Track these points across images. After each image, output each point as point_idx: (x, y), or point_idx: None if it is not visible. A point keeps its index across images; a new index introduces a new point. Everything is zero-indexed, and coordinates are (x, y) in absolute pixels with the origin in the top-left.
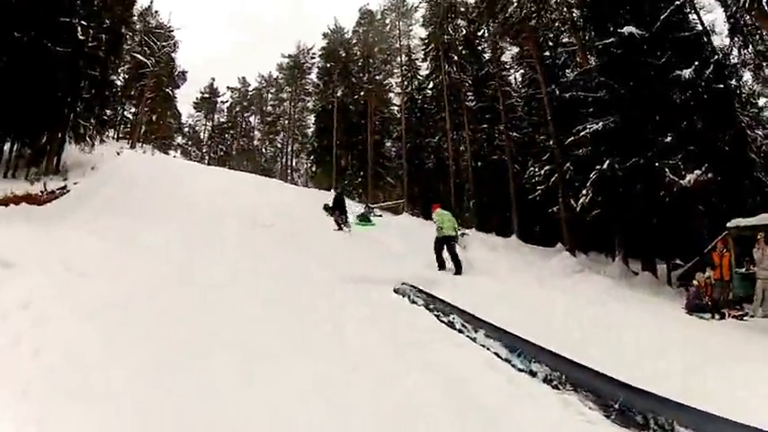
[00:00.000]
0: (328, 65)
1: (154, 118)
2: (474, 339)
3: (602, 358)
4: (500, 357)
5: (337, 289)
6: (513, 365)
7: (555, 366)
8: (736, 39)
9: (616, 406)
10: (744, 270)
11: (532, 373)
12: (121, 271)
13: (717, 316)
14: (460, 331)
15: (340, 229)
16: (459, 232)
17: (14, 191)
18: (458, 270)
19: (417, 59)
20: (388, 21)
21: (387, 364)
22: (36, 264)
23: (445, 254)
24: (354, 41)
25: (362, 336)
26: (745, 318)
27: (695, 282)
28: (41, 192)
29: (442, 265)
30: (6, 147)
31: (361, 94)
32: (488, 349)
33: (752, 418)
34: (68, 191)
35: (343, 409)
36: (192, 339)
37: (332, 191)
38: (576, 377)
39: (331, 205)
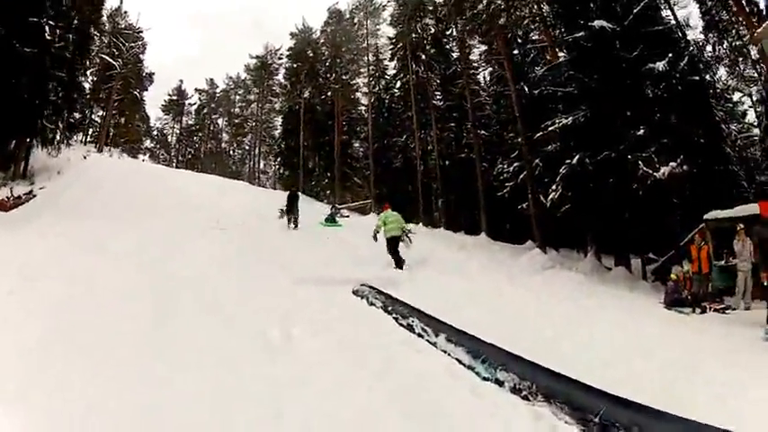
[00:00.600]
0: (296, 65)
1: (122, 121)
2: (435, 344)
3: (575, 358)
4: (462, 364)
5: (295, 291)
6: (477, 373)
7: (524, 374)
8: (711, 35)
9: (596, 420)
10: (723, 262)
11: (499, 382)
12: (75, 276)
13: (697, 310)
14: (420, 335)
15: (294, 227)
16: (405, 232)
17: None
18: (398, 265)
19: (385, 59)
20: (356, 20)
21: (338, 371)
22: None
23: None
24: (322, 41)
25: (314, 341)
26: (726, 311)
27: (673, 276)
28: (7, 198)
29: (397, 261)
30: None
31: (329, 94)
32: (450, 355)
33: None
34: (35, 196)
35: (289, 421)
36: (136, 350)
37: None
38: (549, 386)
39: (285, 206)
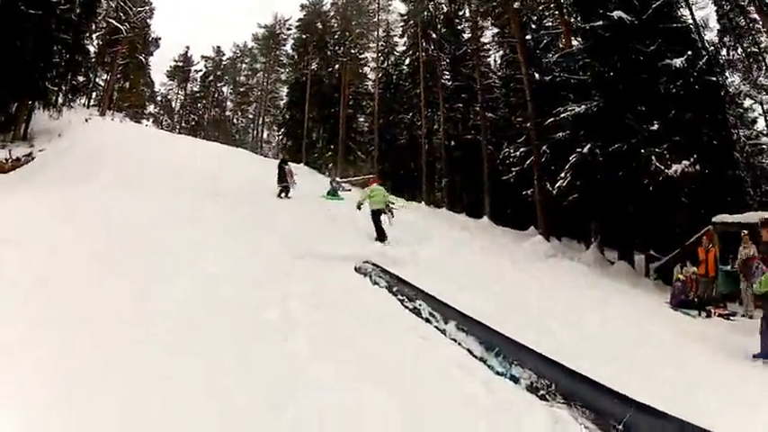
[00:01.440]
0: (304, 36)
1: (126, 86)
2: (443, 331)
3: (588, 356)
4: (474, 356)
5: (294, 266)
6: (490, 367)
7: (542, 372)
8: (726, 38)
9: (620, 427)
10: (729, 267)
11: (514, 379)
12: (62, 243)
13: (703, 313)
14: (428, 320)
15: (284, 196)
16: (388, 205)
17: None
18: (379, 237)
19: (395, 35)
20: None
21: (338, 361)
22: None
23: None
24: (332, 14)
25: (310, 326)
26: (731, 318)
27: (681, 276)
28: (6, 159)
29: (380, 234)
30: None
31: (336, 67)
32: (460, 344)
33: None
34: (33, 158)
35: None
36: (125, 324)
37: (301, 164)
38: (569, 387)
39: (279, 173)
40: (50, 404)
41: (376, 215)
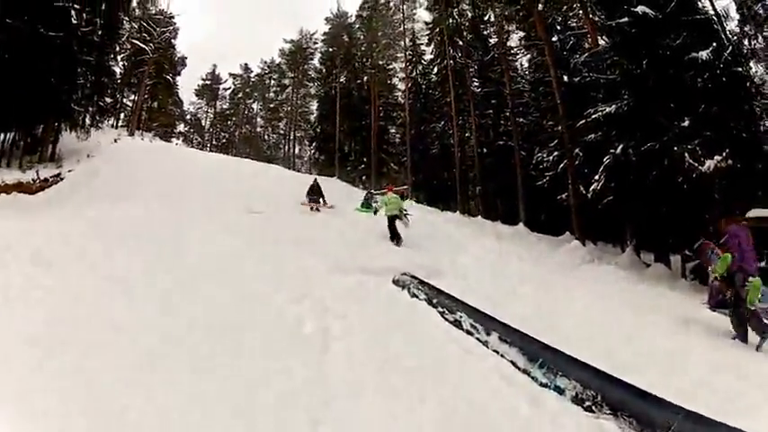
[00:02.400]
0: (331, 50)
1: (155, 105)
2: (485, 343)
3: (632, 364)
4: (517, 367)
5: (330, 280)
6: (534, 378)
7: (588, 382)
8: (747, 28)
9: None
10: (764, 263)
11: (559, 390)
12: (94, 266)
13: None
14: (469, 333)
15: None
16: (402, 211)
17: (6, 180)
18: (393, 238)
19: (421, 44)
20: (392, 4)
21: (377, 371)
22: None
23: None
24: (357, 26)
25: (349, 339)
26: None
27: (717, 275)
28: (33, 180)
29: (394, 236)
30: (1, 135)
31: (365, 79)
32: (503, 356)
33: None
34: (62, 179)
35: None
36: (155, 349)
37: (334, 177)
38: (616, 397)
39: (308, 193)
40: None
41: (391, 220)
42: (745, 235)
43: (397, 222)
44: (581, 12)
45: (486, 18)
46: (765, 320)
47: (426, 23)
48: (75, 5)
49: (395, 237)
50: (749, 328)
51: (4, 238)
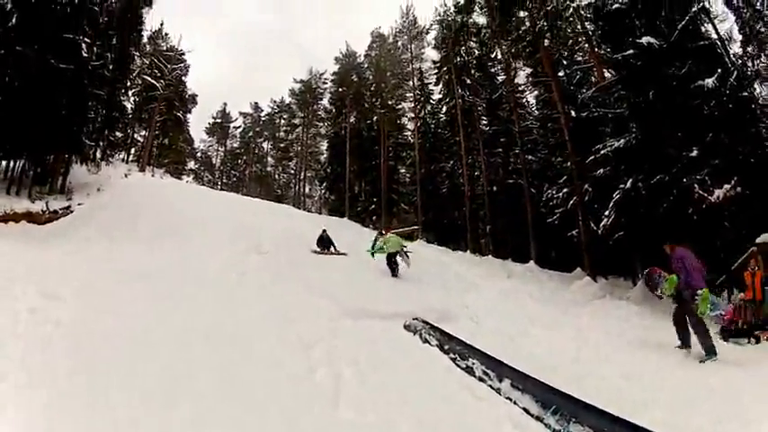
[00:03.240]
0: (340, 89)
1: (166, 142)
2: (498, 390)
3: (647, 406)
4: (530, 414)
5: (339, 325)
6: (547, 425)
7: (601, 428)
8: (749, 48)
9: None
10: None
11: None
12: (99, 301)
13: (752, 340)
14: (481, 380)
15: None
16: (403, 249)
17: (15, 209)
18: (393, 274)
19: (430, 83)
20: (399, 43)
21: (389, 421)
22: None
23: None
24: (366, 65)
25: (361, 387)
26: None
27: (729, 305)
28: (43, 211)
29: (393, 272)
30: (11, 163)
31: (374, 119)
32: (516, 403)
33: None
34: (72, 211)
35: None
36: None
37: (344, 218)
38: None
39: (318, 243)
40: None
41: (391, 257)
42: (690, 255)
43: (399, 260)
44: (587, 45)
45: (493, 56)
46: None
47: (434, 62)
48: (86, 39)
49: (394, 272)
50: (692, 333)
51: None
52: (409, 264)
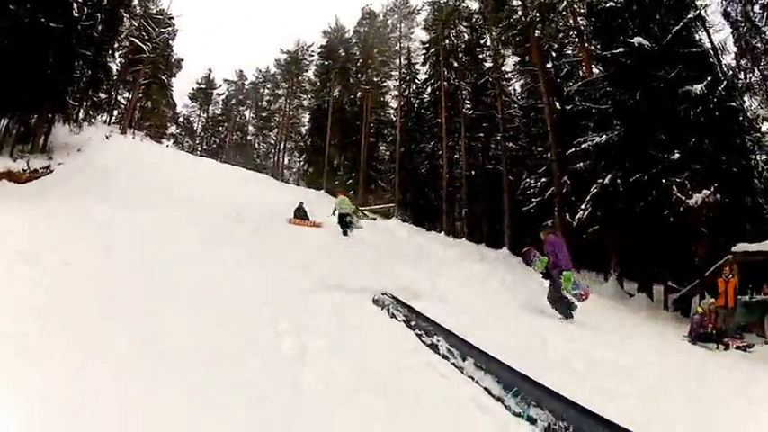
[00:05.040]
0: (327, 63)
1: (148, 105)
2: (461, 369)
3: (607, 395)
4: (491, 395)
5: (308, 297)
6: (507, 407)
7: (560, 413)
8: (743, 61)
9: None
10: (747, 297)
11: (531, 420)
12: (72, 260)
13: (721, 346)
14: (445, 357)
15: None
16: (354, 211)
17: None
18: (343, 232)
19: (417, 63)
20: (389, 22)
21: (351, 393)
22: None
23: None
24: (354, 41)
25: (327, 360)
26: (749, 349)
27: (699, 309)
28: (24, 170)
29: (344, 232)
30: None
31: (358, 95)
32: (478, 383)
33: None
34: (52, 171)
35: None
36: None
37: (322, 191)
38: (588, 430)
39: (295, 214)
40: None
41: (342, 218)
42: (559, 242)
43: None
44: (577, 40)
45: (482, 41)
46: (576, 303)
47: (423, 43)
48: None
49: (344, 230)
50: (569, 309)
51: None
52: (357, 225)
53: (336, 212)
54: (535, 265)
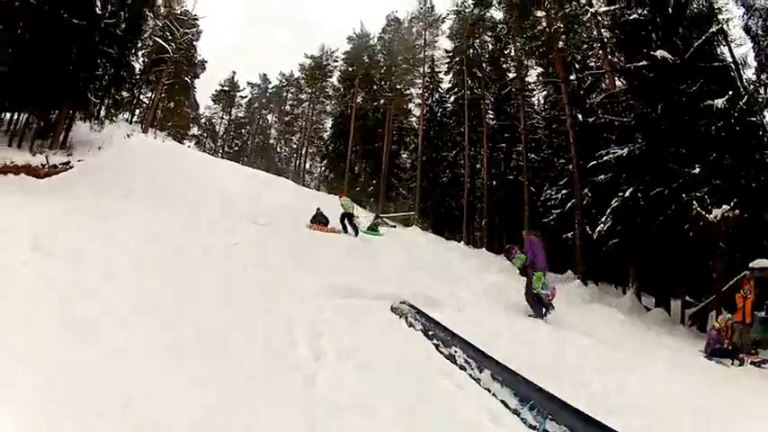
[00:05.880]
0: (350, 69)
1: (171, 105)
2: (478, 380)
3: (621, 412)
4: (508, 407)
5: (326, 303)
6: (524, 420)
7: (576, 427)
8: (764, 76)
9: None
10: (764, 313)
11: None
12: (88, 257)
13: (736, 362)
14: (462, 368)
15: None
16: (354, 209)
17: (15, 161)
18: (344, 229)
19: (440, 72)
20: (414, 29)
21: (367, 403)
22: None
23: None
24: (379, 48)
25: (346, 363)
26: (764, 365)
27: (716, 324)
28: (42, 164)
29: (344, 229)
30: (15, 115)
31: (381, 102)
32: (494, 395)
33: None
34: (71, 167)
35: None
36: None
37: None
38: None
39: (312, 220)
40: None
41: (343, 217)
42: (538, 242)
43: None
44: (600, 52)
45: (506, 52)
46: (554, 305)
47: (447, 51)
48: None
49: (344, 227)
50: (542, 309)
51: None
52: (355, 232)
53: (342, 213)
54: (514, 261)
